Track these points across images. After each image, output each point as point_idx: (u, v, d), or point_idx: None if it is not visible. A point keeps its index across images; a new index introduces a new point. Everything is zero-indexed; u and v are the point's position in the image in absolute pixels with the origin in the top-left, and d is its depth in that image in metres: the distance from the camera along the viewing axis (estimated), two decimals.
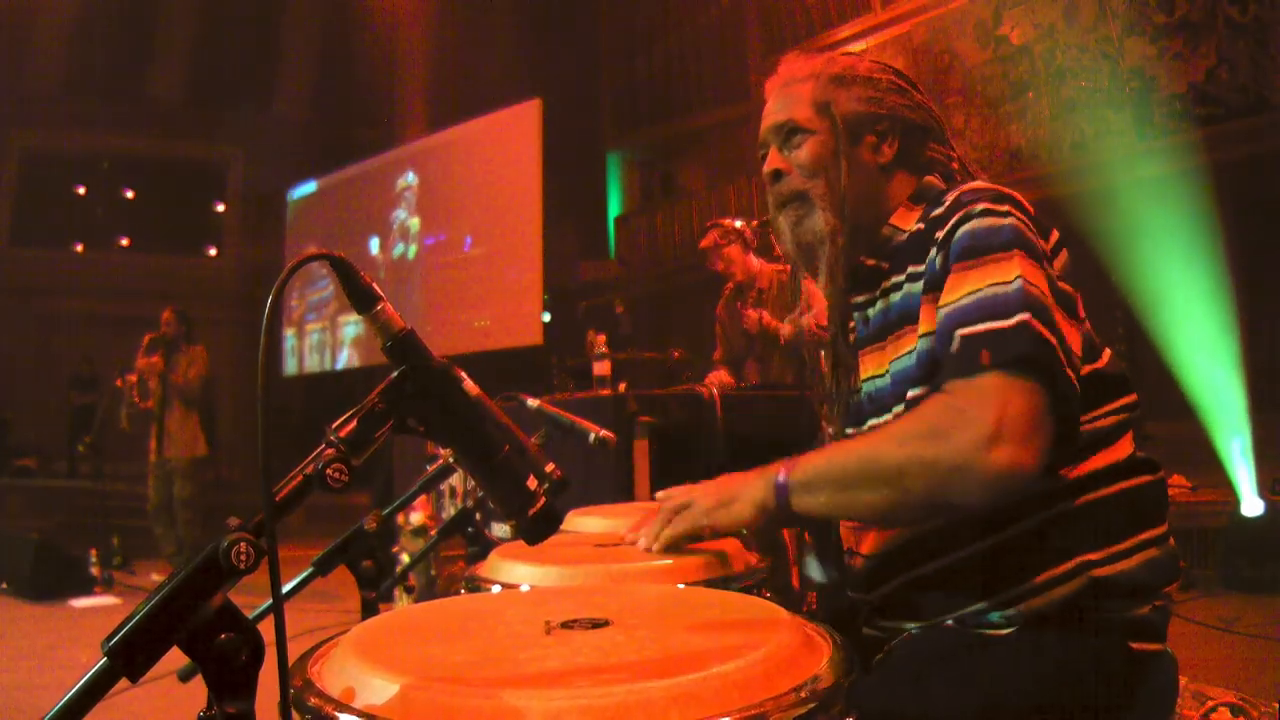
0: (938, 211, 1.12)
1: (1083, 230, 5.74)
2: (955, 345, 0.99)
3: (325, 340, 10.18)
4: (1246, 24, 5.16)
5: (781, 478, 1.05)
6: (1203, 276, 5.37)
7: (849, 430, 1.28)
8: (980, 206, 1.05)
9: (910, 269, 1.14)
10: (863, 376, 1.25)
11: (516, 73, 8.61)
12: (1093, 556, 1.04)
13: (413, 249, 9.36)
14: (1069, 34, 5.94)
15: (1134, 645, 1.05)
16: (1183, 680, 1.09)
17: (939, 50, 6.66)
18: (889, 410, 1.17)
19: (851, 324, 1.28)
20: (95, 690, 0.59)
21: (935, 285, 1.06)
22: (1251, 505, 4.70)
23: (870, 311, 1.24)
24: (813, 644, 0.80)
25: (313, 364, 10.38)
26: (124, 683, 0.61)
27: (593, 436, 1.69)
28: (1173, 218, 5.47)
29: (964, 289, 1.01)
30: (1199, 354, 5.30)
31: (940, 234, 1.07)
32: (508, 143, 8.08)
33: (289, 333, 10.62)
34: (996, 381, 0.95)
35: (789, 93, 1.23)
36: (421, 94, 10.78)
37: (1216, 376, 5.24)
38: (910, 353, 1.11)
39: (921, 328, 1.09)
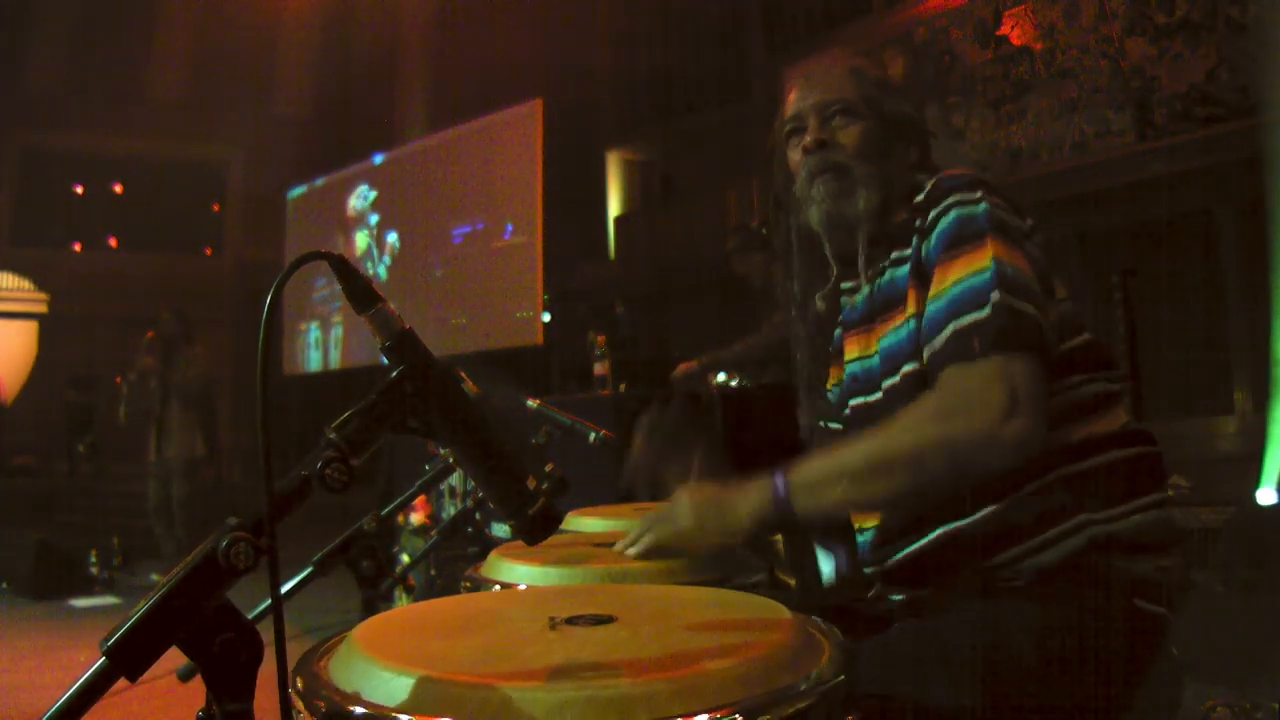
0: (919, 199, 1.19)
1: (1082, 230, 5.73)
2: (948, 337, 1.06)
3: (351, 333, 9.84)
4: (1246, 24, 5.16)
5: (780, 484, 1.06)
6: (1204, 276, 5.37)
7: (836, 416, 1.33)
8: (955, 197, 1.12)
9: (895, 253, 1.21)
10: (848, 358, 1.29)
11: (516, 73, 8.58)
12: (1093, 516, 1.07)
13: (400, 251, 9.31)
14: (1069, 34, 5.94)
15: (1137, 602, 1.06)
16: None
17: (939, 50, 6.65)
18: (878, 388, 1.21)
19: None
20: (94, 690, 0.59)
21: (921, 273, 1.14)
22: (1266, 495, 4.68)
23: (857, 297, 1.29)
24: (814, 641, 0.80)
25: (335, 359, 9.99)
26: (123, 682, 0.61)
27: (593, 436, 1.69)
28: (1173, 218, 5.47)
29: (948, 280, 1.09)
30: (1200, 353, 5.30)
31: (923, 221, 1.15)
32: (508, 143, 8.06)
33: (312, 325, 10.29)
34: (996, 362, 1.01)
35: (832, 79, 1.27)
36: (422, 94, 10.77)
37: (1217, 375, 5.23)
38: (899, 329, 1.17)
39: (911, 308, 1.15)
